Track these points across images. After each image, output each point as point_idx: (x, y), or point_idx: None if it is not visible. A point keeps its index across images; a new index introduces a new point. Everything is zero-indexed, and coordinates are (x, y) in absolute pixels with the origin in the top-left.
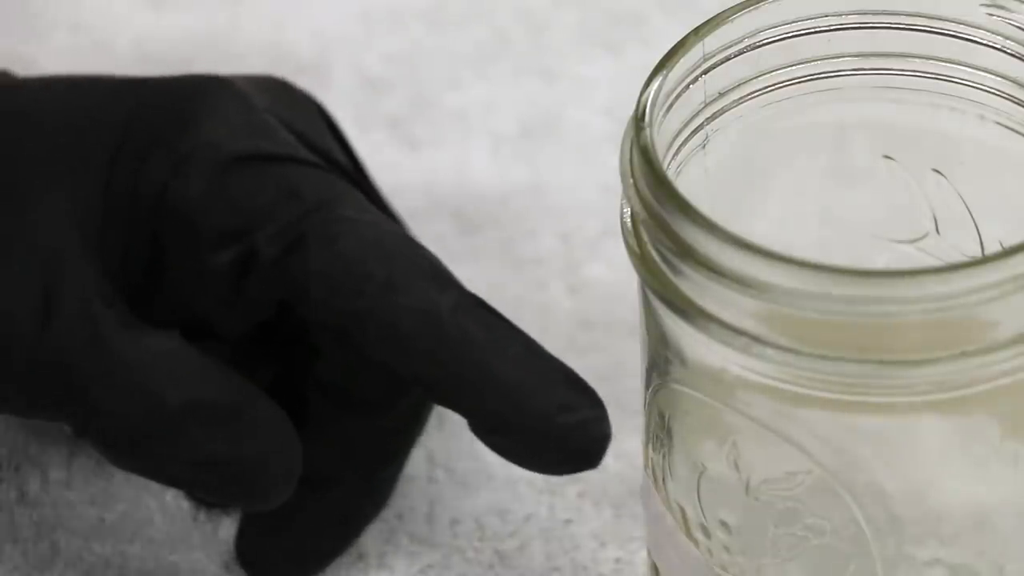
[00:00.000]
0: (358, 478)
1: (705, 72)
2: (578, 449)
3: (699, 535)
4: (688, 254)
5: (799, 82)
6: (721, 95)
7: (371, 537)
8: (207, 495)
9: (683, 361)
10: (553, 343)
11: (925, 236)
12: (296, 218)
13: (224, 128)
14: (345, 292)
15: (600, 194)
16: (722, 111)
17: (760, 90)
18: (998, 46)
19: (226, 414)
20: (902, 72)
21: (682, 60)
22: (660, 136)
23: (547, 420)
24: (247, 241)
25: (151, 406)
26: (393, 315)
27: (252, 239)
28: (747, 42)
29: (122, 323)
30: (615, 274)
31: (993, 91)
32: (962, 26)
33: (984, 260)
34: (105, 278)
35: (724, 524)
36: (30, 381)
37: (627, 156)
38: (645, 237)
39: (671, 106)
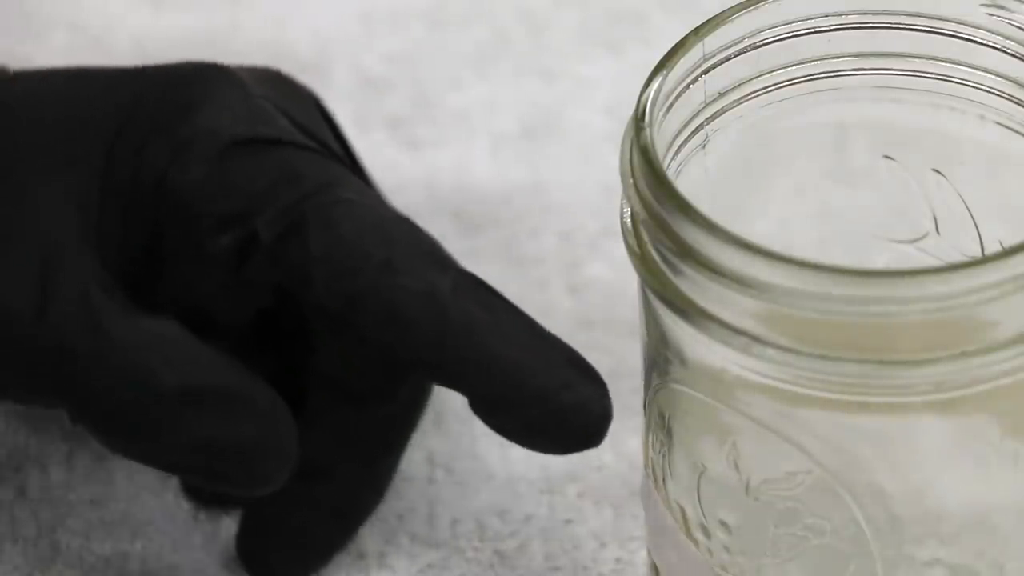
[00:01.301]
0: (356, 468)
1: (705, 72)
2: (579, 427)
3: (699, 535)
4: (688, 254)
5: (799, 82)
6: (721, 95)
7: (371, 537)
8: (203, 480)
9: (683, 361)
10: None
11: (925, 236)
12: (296, 201)
13: (223, 113)
14: (345, 274)
15: (600, 194)
16: (722, 111)
17: (760, 90)
18: (998, 46)
19: (222, 398)
20: (902, 72)
21: (682, 60)
22: (660, 136)
23: (548, 398)
24: (247, 225)
25: (147, 390)
26: (393, 296)
27: (252, 223)
28: (747, 42)
29: (119, 308)
30: (615, 274)
31: (993, 91)
32: (962, 26)
33: (984, 260)
34: (103, 265)
35: (724, 524)
36: (27, 366)
37: (627, 156)
38: (645, 237)
39: (671, 106)
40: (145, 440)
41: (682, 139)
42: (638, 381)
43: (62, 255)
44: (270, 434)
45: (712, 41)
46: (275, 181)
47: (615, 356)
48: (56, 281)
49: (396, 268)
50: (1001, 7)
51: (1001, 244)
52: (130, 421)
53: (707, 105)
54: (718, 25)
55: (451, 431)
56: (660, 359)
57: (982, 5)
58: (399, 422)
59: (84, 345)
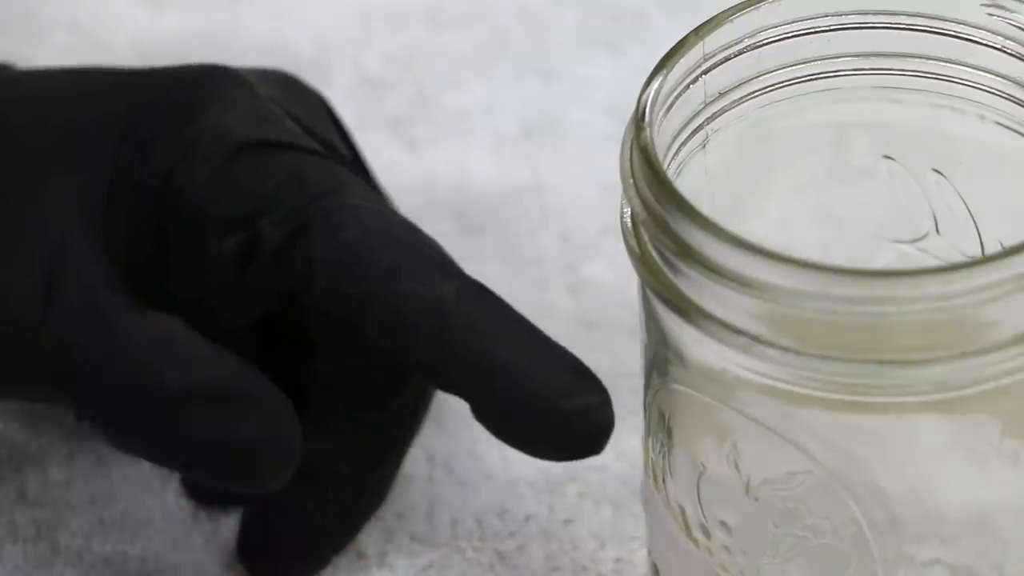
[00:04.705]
0: (357, 473)
1: (705, 72)
2: (581, 434)
3: (699, 535)
4: (688, 254)
5: (799, 82)
6: (721, 95)
7: (371, 537)
8: (206, 478)
9: (683, 361)
10: None
11: (925, 236)
12: (301, 205)
13: (230, 115)
14: (349, 278)
15: (600, 194)
16: (722, 111)
17: (760, 90)
18: (998, 46)
19: (226, 396)
20: (902, 72)
21: (682, 60)
22: (660, 136)
23: (550, 405)
24: (252, 228)
25: (151, 388)
26: (397, 301)
27: (257, 226)
28: (747, 42)
29: (125, 306)
30: (615, 274)
31: (993, 91)
32: (962, 26)
33: (984, 260)
34: (109, 263)
35: (724, 524)
36: (32, 363)
37: (627, 156)
38: (645, 237)
39: (671, 106)
40: (150, 437)
41: (682, 139)
42: (638, 381)
43: (68, 253)
44: (274, 432)
45: (712, 41)
46: (281, 185)
47: (615, 356)
48: (62, 278)
49: (400, 273)
50: (1001, 7)
51: (1001, 244)
52: (135, 418)
53: (707, 105)
54: (718, 25)
55: (451, 431)
56: (660, 359)
57: (982, 5)
58: (400, 427)
59: (90, 341)
